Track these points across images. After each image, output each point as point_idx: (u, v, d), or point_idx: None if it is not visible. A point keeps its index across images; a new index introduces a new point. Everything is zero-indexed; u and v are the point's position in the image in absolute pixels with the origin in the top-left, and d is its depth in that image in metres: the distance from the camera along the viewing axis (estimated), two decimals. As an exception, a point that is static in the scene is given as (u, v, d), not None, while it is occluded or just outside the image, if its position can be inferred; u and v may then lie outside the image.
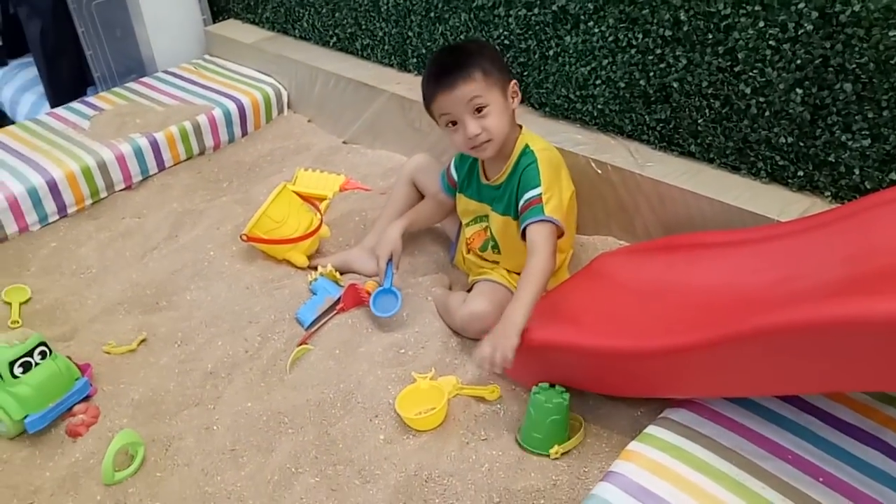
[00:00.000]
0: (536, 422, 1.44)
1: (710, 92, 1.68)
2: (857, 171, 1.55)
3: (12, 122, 2.73)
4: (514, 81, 1.62)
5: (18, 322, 1.87)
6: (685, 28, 1.65)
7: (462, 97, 1.56)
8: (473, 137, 1.58)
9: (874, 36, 1.41)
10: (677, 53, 1.69)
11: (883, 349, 0.98)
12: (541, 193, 1.58)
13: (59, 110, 2.55)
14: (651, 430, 1.28)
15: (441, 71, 1.60)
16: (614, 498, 1.15)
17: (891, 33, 1.39)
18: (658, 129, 1.82)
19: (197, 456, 1.51)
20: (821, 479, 1.16)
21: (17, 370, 1.53)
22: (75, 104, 2.58)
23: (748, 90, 1.62)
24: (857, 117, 1.51)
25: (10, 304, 1.93)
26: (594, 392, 1.51)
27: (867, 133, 1.50)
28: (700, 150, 1.77)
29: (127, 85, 2.68)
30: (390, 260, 1.79)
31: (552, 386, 1.46)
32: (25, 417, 1.54)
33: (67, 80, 2.78)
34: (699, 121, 1.73)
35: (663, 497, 1.14)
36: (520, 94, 1.64)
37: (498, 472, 1.41)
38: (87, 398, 1.64)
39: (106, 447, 1.48)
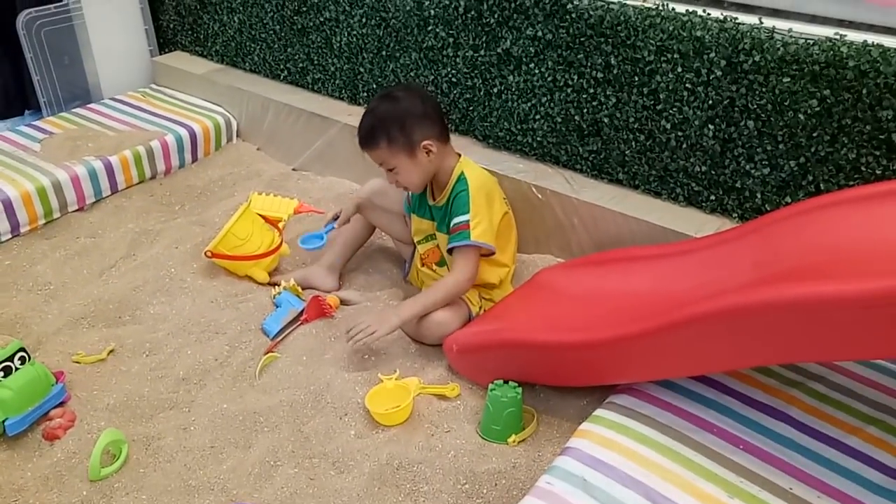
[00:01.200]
0: (494, 415, 1.61)
1: (636, 127, 1.93)
2: (759, 195, 1.83)
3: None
4: (426, 142, 1.78)
5: (-19, 336, 1.90)
6: (615, 71, 1.90)
7: (374, 159, 1.85)
8: (393, 184, 1.87)
9: (771, 81, 1.69)
10: (608, 93, 1.94)
11: (792, 327, 1.21)
12: (468, 220, 1.79)
13: (7, 133, 2.59)
14: (599, 412, 1.48)
15: (360, 132, 1.84)
16: (572, 467, 1.33)
17: (784, 79, 1.67)
18: (590, 159, 2.06)
19: (178, 453, 1.59)
20: (741, 447, 1.38)
21: (-1, 374, 1.59)
22: (22, 127, 2.61)
23: (668, 125, 1.87)
24: (758, 149, 1.78)
25: (-33, 319, 1.96)
26: (544, 384, 1.70)
27: (766, 163, 1.78)
28: (627, 178, 2.02)
29: (75, 110, 2.73)
30: (336, 218, 2.00)
31: (506, 382, 1.64)
32: (5, 420, 1.59)
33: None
34: (626, 152, 1.98)
35: (613, 465, 1.33)
36: (435, 149, 1.80)
37: (462, 457, 1.56)
38: (62, 403, 1.70)
39: (86, 447, 1.56)
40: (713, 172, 1.87)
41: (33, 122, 2.64)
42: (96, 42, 2.77)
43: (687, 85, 1.81)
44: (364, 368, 1.80)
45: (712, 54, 1.74)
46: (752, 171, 1.81)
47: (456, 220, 1.81)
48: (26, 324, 1.97)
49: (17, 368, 1.62)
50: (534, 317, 1.73)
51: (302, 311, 1.94)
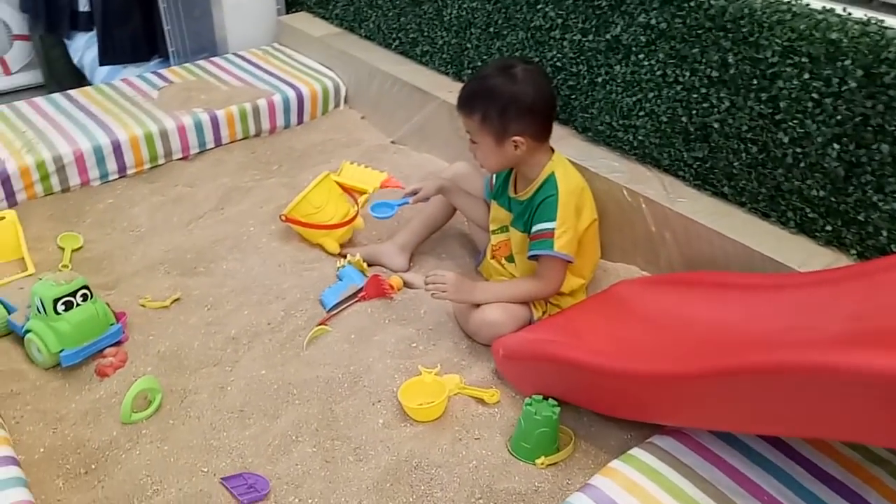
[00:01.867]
0: (525, 432, 1.48)
1: (748, 136, 1.71)
2: (884, 233, 1.56)
3: (90, 84, 2.90)
4: (517, 138, 1.67)
5: (68, 266, 2.00)
6: (731, 71, 1.69)
7: (464, 124, 1.76)
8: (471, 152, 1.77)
9: (914, 101, 1.43)
10: (721, 95, 1.73)
11: (876, 404, 1.00)
12: (554, 228, 1.67)
13: (132, 78, 2.70)
14: (634, 451, 1.32)
15: (462, 92, 1.75)
16: (585, 508, 1.19)
17: (930, 100, 1.41)
18: (694, 166, 1.85)
19: (208, 411, 1.59)
20: (791, 523, 1.18)
21: (60, 307, 1.65)
22: (147, 74, 2.72)
23: (786, 139, 1.64)
24: (890, 179, 1.52)
25: (63, 249, 2.06)
26: (589, 409, 1.55)
27: (898, 196, 1.52)
28: (732, 193, 1.80)
29: (198, 62, 2.82)
30: (415, 192, 1.93)
31: (546, 399, 1.51)
32: (61, 351, 1.65)
33: (119, 45, 2.92)
34: (735, 163, 1.77)
35: (633, 514, 1.18)
36: (525, 146, 1.68)
37: (484, 470, 1.46)
38: (118, 343, 1.75)
39: (128, 390, 1.58)
40: (833, 199, 1.62)
41: (158, 70, 2.75)
42: (227, -3, 2.84)
43: (813, 94, 1.57)
44: (408, 357, 1.72)
45: (848, 62, 1.49)
46: (881, 204, 1.55)
47: (540, 226, 1.69)
48: (112, 262, 2.06)
49: (78, 304, 1.68)
50: (593, 333, 1.58)
51: (361, 288, 1.89)
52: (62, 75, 3.35)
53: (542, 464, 1.46)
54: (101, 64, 3.01)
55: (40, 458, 1.49)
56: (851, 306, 1.30)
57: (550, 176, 1.72)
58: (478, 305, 1.74)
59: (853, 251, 1.64)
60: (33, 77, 3.55)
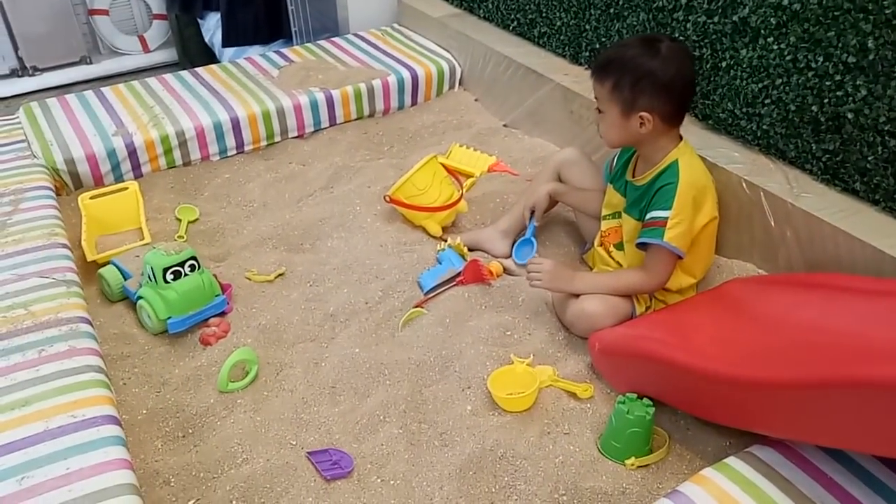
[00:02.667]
0: (616, 431, 1.42)
1: (886, 129, 1.55)
2: None
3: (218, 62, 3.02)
4: (645, 113, 1.58)
5: (184, 237, 2.09)
6: (871, 57, 1.54)
7: (594, 90, 1.68)
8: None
9: None
10: (858, 83, 1.58)
11: None
12: (668, 217, 1.58)
13: (256, 57, 2.79)
14: (730, 460, 1.23)
15: (600, 55, 1.68)
16: (671, 516, 1.13)
17: None
18: (823, 159, 1.71)
19: (301, 385, 1.62)
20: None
21: (169, 276, 1.72)
22: (270, 53, 2.80)
23: (929, 132, 1.48)
24: None
25: (180, 220, 2.16)
26: (686, 412, 1.46)
27: None
28: (865, 189, 1.65)
29: (318, 42, 2.87)
30: (533, 213, 1.90)
31: (640, 398, 1.44)
32: (168, 319, 1.72)
33: (241, 27, 3.01)
34: (870, 157, 1.61)
35: (722, 528, 1.10)
36: (652, 125, 1.60)
37: (570, 466, 1.41)
38: (222, 314, 1.81)
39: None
40: (980, 200, 1.45)
41: (280, 49, 2.82)
42: (350, -22, 2.88)
43: (964, 83, 1.40)
44: (502, 345, 1.69)
45: None
46: None
47: (654, 213, 1.61)
48: (224, 234, 2.13)
49: (185, 274, 1.75)
50: (697, 333, 1.49)
51: (460, 273, 1.87)
52: (195, 54, 3.51)
53: (632, 465, 1.39)
54: (224, 45, 3.13)
55: (143, 418, 1.57)
56: None
57: (673, 163, 1.63)
58: (577, 296, 1.68)
59: None
60: (169, 55, 3.75)
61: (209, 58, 3.42)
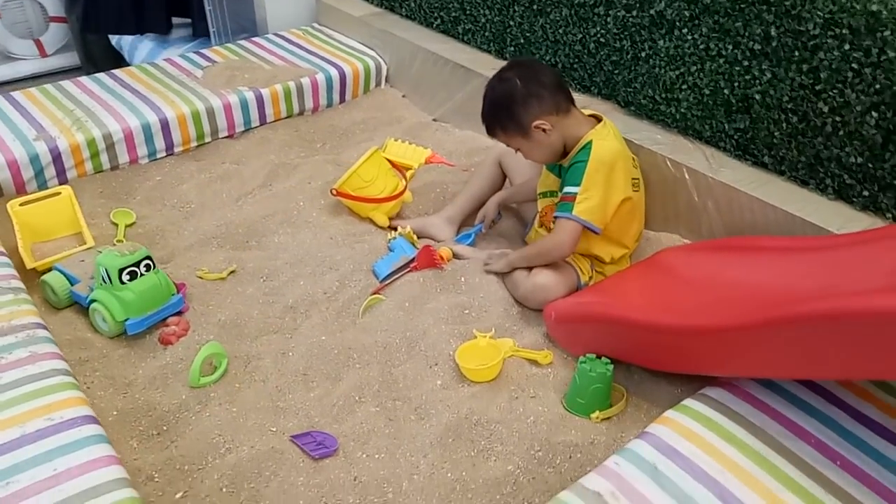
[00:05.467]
0: (581, 388, 1.55)
1: (789, 107, 1.76)
2: (922, 198, 1.62)
3: (129, 65, 2.96)
4: (537, 122, 1.75)
5: (122, 241, 2.06)
6: (774, 44, 1.74)
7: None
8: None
9: (956, 69, 1.47)
10: (763, 67, 1.78)
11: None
12: (576, 193, 1.73)
13: (175, 58, 2.76)
14: (688, 402, 1.39)
15: (483, 120, 1.87)
16: (645, 452, 1.26)
17: (973, 68, 1.45)
18: (735, 137, 1.90)
19: (272, 375, 1.67)
20: (838, 463, 1.25)
21: (125, 277, 1.71)
22: (190, 54, 2.78)
23: (826, 108, 1.69)
24: (929, 146, 1.57)
25: (116, 224, 2.13)
26: (639, 366, 1.61)
27: (937, 161, 1.57)
28: (773, 162, 1.85)
29: (239, 42, 2.88)
30: (482, 221, 2.06)
31: (599, 357, 1.58)
32: (126, 320, 1.72)
33: (103, 14, 2.98)
34: (776, 133, 1.81)
35: (690, 458, 1.25)
36: (549, 125, 1.76)
37: (541, 425, 1.52)
38: (179, 313, 1.82)
39: (193, 356, 1.66)
40: (870, 165, 1.67)
41: (200, 50, 2.81)
42: (267, -22, 2.90)
43: (853, 65, 1.62)
44: (462, 323, 1.79)
45: (887, 32, 1.54)
46: (919, 170, 1.60)
47: (567, 189, 1.76)
48: (164, 236, 2.13)
49: (142, 274, 1.75)
50: (640, 295, 1.64)
51: (413, 259, 1.95)
52: (99, 57, 3.42)
53: (597, 418, 1.52)
54: (83, 32, 3.06)
55: (113, 420, 1.56)
56: (890, 263, 1.36)
57: (588, 143, 1.77)
58: (529, 272, 1.81)
59: (889, 215, 1.69)
60: (69, 59, 3.62)
61: (116, 61, 3.33)
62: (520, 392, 1.61)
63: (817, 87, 1.69)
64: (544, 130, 1.76)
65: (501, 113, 1.79)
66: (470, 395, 1.60)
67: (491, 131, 1.85)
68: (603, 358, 1.56)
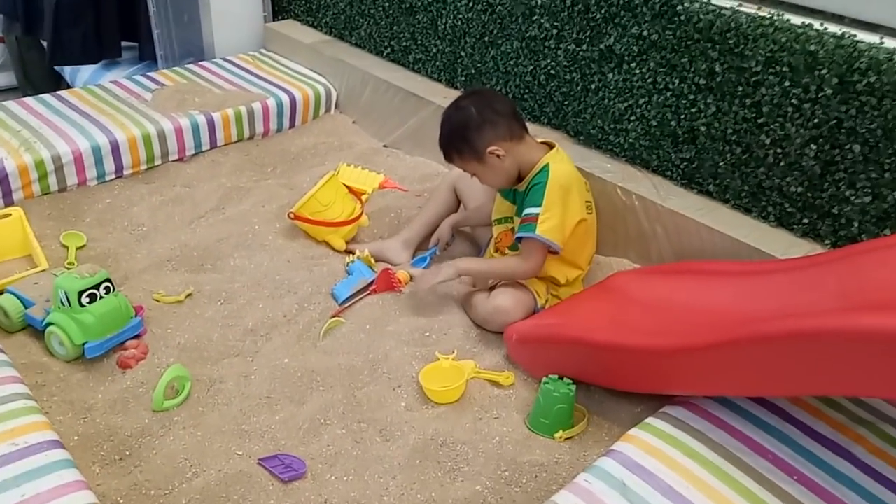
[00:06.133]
0: (544, 408, 1.59)
1: (733, 138, 1.87)
2: (856, 224, 1.73)
3: (69, 87, 2.90)
4: (491, 148, 1.81)
5: (74, 264, 2.02)
6: (718, 79, 1.84)
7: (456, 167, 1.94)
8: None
9: (885, 105, 1.59)
10: (708, 101, 1.88)
11: (869, 360, 1.15)
12: (538, 213, 1.79)
13: (124, 80, 2.73)
14: (650, 420, 1.44)
15: (440, 144, 1.91)
16: (612, 469, 1.31)
17: (899, 105, 1.58)
18: (682, 166, 2.00)
19: (236, 398, 1.65)
20: (795, 478, 1.32)
21: (84, 300, 1.68)
22: (139, 77, 2.75)
23: (768, 141, 1.80)
24: (861, 176, 1.69)
25: (67, 247, 2.08)
26: (600, 386, 1.67)
27: (869, 191, 1.68)
28: (718, 190, 1.96)
29: (188, 66, 2.86)
30: (436, 244, 2.09)
31: (561, 378, 1.62)
32: (85, 343, 1.68)
33: (68, 45, 2.94)
34: (720, 163, 1.92)
35: (656, 474, 1.30)
36: (503, 150, 1.82)
37: (507, 445, 1.56)
38: (138, 336, 1.79)
39: (154, 379, 1.64)
40: (809, 195, 1.79)
41: (149, 73, 2.78)
42: (215, 3, 2.88)
43: (793, 100, 1.73)
44: (423, 345, 1.81)
45: (824, 71, 1.66)
46: (852, 198, 1.72)
47: (528, 210, 1.81)
48: (117, 259, 2.09)
49: (101, 297, 1.71)
50: (598, 317, 1.70)
51: (372, 282, 1.97)
52: (38, 79, 3.33)
53: (561, 437, 1.57)
54: (50, 64, 3.03)
55: (76, 445, 1.52)
56: (836, 285, 1.45)
57: (545, 166, 1.84)
58: (489, 293, 1.85)
59: (827, 241, 1.81)
60: (6, 80, 3.52)
61: (56, 83, 3.26)
62: (484, 413, 1.65)
63: (760, 121, 1.80)
64: (498, 156, 1.82)
65: (457, 139, 1.85)
66: (435, 417, 1.63)
67: (448, 156, 1.90)
68: (565, 378, 1.61)
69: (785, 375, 1.28)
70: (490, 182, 1.91)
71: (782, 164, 1.80)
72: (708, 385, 1.43)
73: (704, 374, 1.42)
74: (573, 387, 1.59)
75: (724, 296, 1.62)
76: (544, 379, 1.62)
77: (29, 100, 2.54)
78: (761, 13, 1.78)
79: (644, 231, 2.01)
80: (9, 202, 2.21)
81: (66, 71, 3.19)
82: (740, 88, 1.81)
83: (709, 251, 1.88)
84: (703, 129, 1.92)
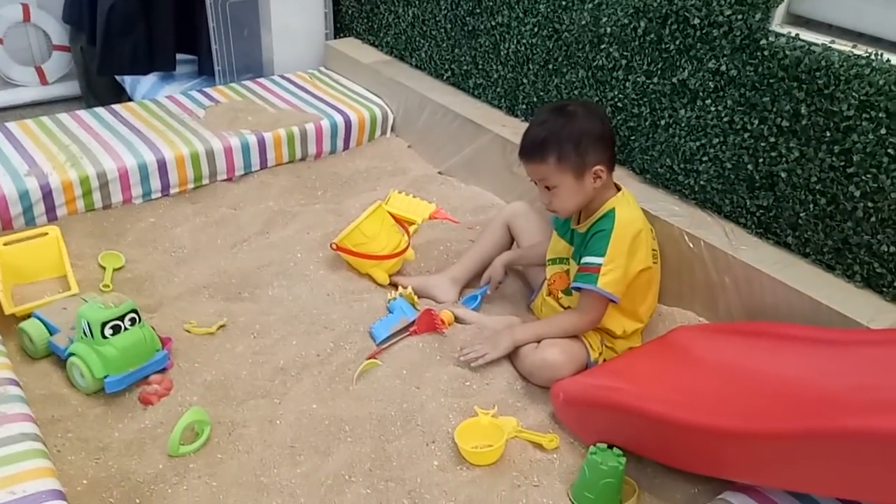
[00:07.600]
0: (590, 482, 1.44)
1: (817, 188, 1.68)
2: (957, 293, 1.53)
3: (130, 100, 2.88)
4: (599, 167, 1.66)
5: (109, 286, 1.96)
6: (804, 122, 1.66)
7: (533, 173, 1.72)
8: (543, 203, 1.74)
9: None
10: (791, 145, 1.70)
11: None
12: (601, 264, 1.64)
13: (178, 96, 2.69)
14: (709, 508, 1.28)
15: (526, 141, 1.71)
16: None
17: None
18: (758, 214, 1.82)
19: (258, 446, 1.55)
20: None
21: (108, 331, 1.61)
22: (193, 92, 2.71)
23: (858, 193, 1.61)
24: (966, 239, 1.49)
25: (104, 268, 2.03)
26: (654, 460, 1.50)
27: (975, 256, 1.48)
28: (797, 243, 1.77)
29: (244, 82, 2.80)
30: (487, 283, 1.96)
31: (610, 447, 1.47)
32: (106, 377, 1.61)
33: (118, 55, 2.88)
34: (801, 214, 1.73)
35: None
36: (605, 175, 1.68)
37: (545, 520, 1.41)
38: (163, 370, 1.71)
39: (174, 419, 1.54)
40: (904, 255, 1.59)
41: (204, 89, 2.73)
42: (276, 19, 2.83)
43: (889, 150, 1.54)
44: (462, 396, 1.68)
45: (927, 118, 1.47)
46: (954, 262, 1.52)
47: (588, 259, 1.67)
48: (154, 283, 2.02)
49: (125, 328, 1.64)
50: (656, 381, 1.54)
51: (413, 322, 1.85)
52: (101, 89, 3.34)
53: (606, 517, 1.41)
54: (99, 73, 3.01)
55: (83, 490, 1.44)
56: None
57: (611, 210, 1.69)
58: (536, 345, 1.71)
59: (922, 310, 1.60)
60: (70, 89, 3.54)
61: (117, 94, 3.26)
62: (522, 479, 1.50)
63: (849, 170, 1.61)
64: (596, 178, 1.67)
65: (567, 141, 1.64)
66: (468, 480, 1.49)
67: (539, 154, 1.67)
68: (615, 449, 1.45)
69: (869, 478, 1.10)
70: (563, 204, 1.71)
71: (873, 219, 1.61)
72: (778, 477, 1.25)
73: (771, 463, 1.24)
74: (623, 459, 1.43)
75: (798, 367, 1.44)
76: (591, 448, 1.46)
77: (82, 113, 2.52)
78: (857, 51, 1.59)
79: (712, 282, 1.83)
80: (52, 218, 2.18)
81: (127, 82, 3.18)
82: (828, 134, 1.63)
83: (783, 311, 1.69)
84: (783, 175, 1.73)
